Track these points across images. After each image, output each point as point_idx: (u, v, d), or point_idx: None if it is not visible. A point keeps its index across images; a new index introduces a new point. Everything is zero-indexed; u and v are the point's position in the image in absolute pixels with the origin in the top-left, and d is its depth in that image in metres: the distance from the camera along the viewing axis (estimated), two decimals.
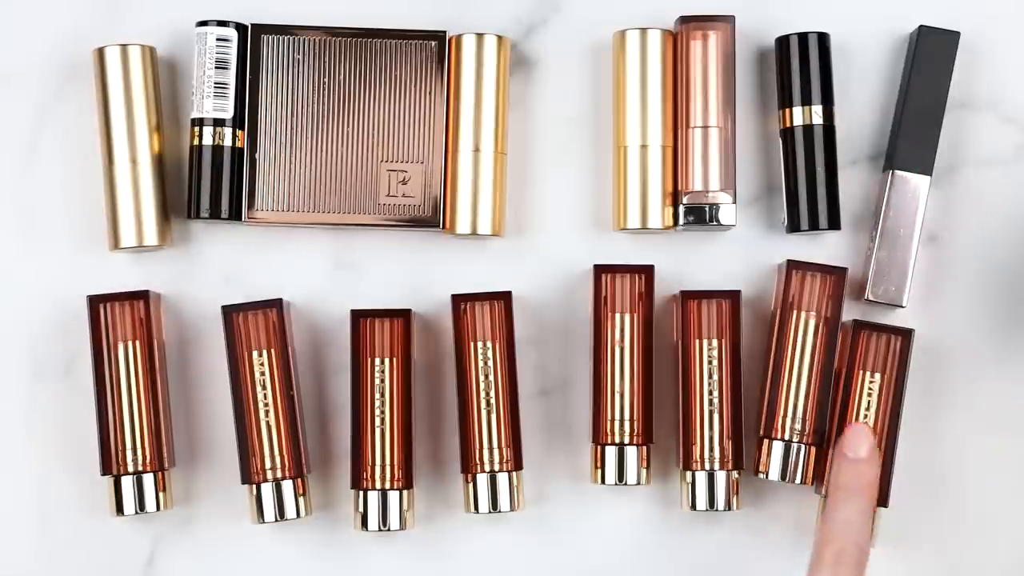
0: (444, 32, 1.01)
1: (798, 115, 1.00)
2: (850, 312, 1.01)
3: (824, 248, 1.02)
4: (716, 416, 0.99)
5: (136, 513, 0.98)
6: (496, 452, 0.99)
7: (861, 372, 0.99)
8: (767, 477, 0.99)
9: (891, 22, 1.03)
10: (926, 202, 1.00)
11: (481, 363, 0.99)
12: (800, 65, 1.00)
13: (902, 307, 1.00)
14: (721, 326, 1.00)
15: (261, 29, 1.01)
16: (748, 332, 1.01)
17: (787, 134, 1.01)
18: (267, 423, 0.99)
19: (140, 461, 0.99)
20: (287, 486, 0.98)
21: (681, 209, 1.00)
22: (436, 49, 1.01)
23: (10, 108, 1.03)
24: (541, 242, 1.03)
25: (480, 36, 1.00)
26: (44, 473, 1.02)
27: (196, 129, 1.00)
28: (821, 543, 0.89)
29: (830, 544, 0.88)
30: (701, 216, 1.00)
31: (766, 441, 0.99)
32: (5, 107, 1.03)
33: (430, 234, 1.02)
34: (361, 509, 0.98)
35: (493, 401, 0.99)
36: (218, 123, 1.00)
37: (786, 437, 0.99)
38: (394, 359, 0.99)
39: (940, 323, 1.02)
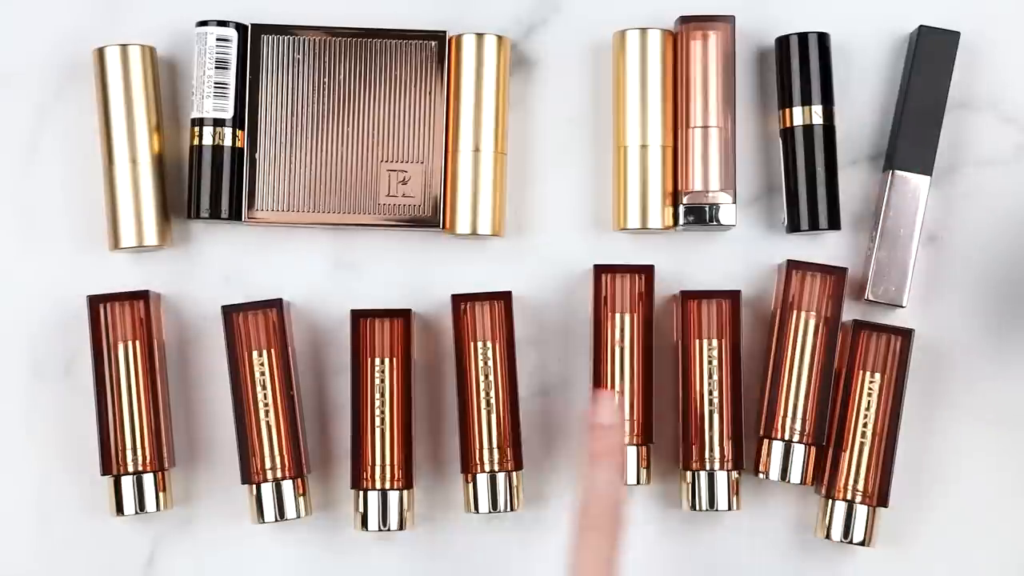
0: (444, 32, 1.01)
1: (798, 115, 1.00)
2: (850, 312, 1.01)
3: (824, 248, 1.02)
4: (716, 416, 0.99)
5: (136, 513, 0.99)
6: (496, 452, 0.99)
7: (861, 372, 0.99)
8: (767, 477, 0.99)
9: (891, 22, 1.03)
10: (926, 202, 1.00)
11: (481, 363, 0.99)
12: (800, 65, 1.00)
13: (902, 307, 1.00)
14: (721, 326, 1.00)
15: (261, 29, 1.01)
16: (748, 332, 1.01)
17: (787, 134, 1.01)
18: (267, 423, 0.99)
19: (140, 461, 0.99)
20: (287, 486, 0.98)
21: (681, 209, 1.00)
22: (436, 49, 1.01)
23: (10, 108, 1.03)
24: (541, 242, 1.03)
25: (480, 36, 1.00)
26: (44, 473, 1.02)
27: (196, 129, 1.00)
28: (580, 508, 0.90)
29: (588, 507, 0.89)
30: (701, 216, 1.00)
31: (766, 441, 0.99)
32: (5, 107, 1.03)
33: (430, 234, 1.02)
34: (361, 509, 0.98)
35: (493, 401, 0.99)
36: (218, 123, 1.00)
37: (786, 437, 0.99)
38: (394, 359, 0.99)
39: (940, 323, 1.02)
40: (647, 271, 1.00)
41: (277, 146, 1.01)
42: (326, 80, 1.01)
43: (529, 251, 1.03)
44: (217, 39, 1.00)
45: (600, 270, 1.00)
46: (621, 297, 1.00)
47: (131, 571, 1.02)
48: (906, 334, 0.99)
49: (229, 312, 0.99)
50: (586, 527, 0.88)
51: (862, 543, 0.98)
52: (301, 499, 0.98)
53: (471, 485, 0.99)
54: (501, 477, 0.98)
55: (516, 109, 1.03)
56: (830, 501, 0.99)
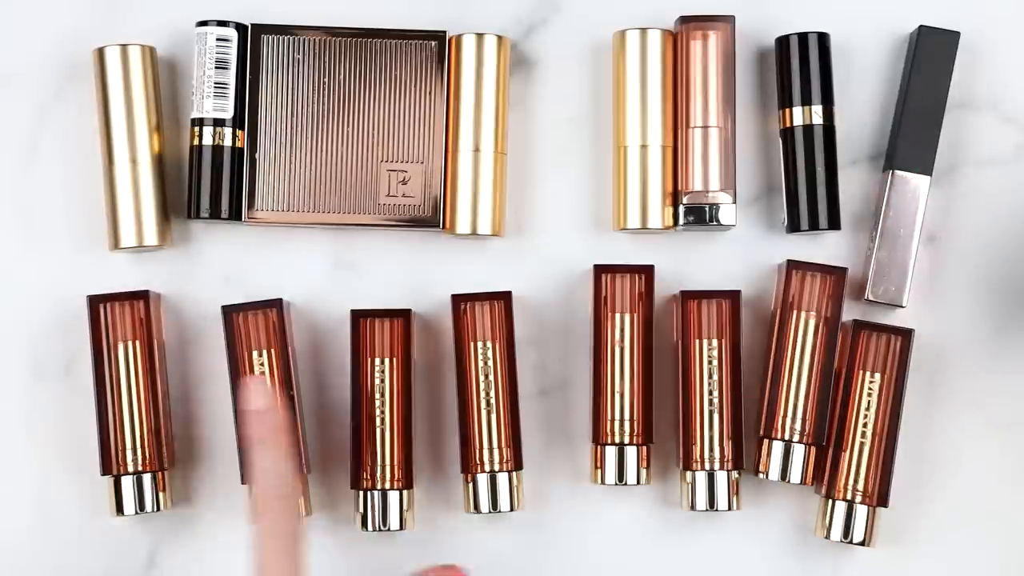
0: (444, 32, 1.01)
1: (798, 115, 1.00)
2: (850, 312, 1.01)
3: (824, 248, 1.02)
4: (716, 416, 0.99)
5: (136, 513, 0.98)
6: (496, 452, 0.99)
7: (861, 372, 0.99)
8: (767, 477, 0.99)
9: (891, 22, 1.03)
10: (926, 202, 1.00)
11: (481, 363, 0.99)
12: (800, 65, 1.00)
13: (902, 307, 1.00)
14: (721, 326, 1.00)
15: (261, 29, 1.01)
16: (748, 332, 1.01)
17: (787, 134, 1.01)
18: None
19: (140, 461, 0.99)
20: None
21: (681, 209, 1.00)
22: (436, 49, 1.01)
23: (10, 108, 1.03)
24: (541, 242, 1.03)
25: (480, 36, 1.00)
26: (44, 473, 1.02)
27: (196, 129, 1.00)
28: (252, 496, 0.90)
29: (257, 495, 0.89)
30: (701, 216, 1.00)
31: (766, 441, 0.99)
32: (5, 107, 1.03)
33: (430, 234, 1.02)
34: (361, 509, 0.98)
35: (493, 401, 0.99)
36: (218, 123, 1.00)
37: (786, 437, 0.99)
38: (394, 359, 0.99)
39: (940, 323, 1.02)
40: (647, 271, 1.00)
41: (277, 146, 1.01)
42: (326, 80, 1.01)
43: (529, 251, 1.03)
44: (217, 39, 1.00)
45: (600, 270, 1.00)
46: (621, 297, 1.00)
47: (131, 571, 1.02)
48: (906, 334, 0.99)
49: (229, 312, 0.99)
50: (260, 512, 0.88)
51: (862, 543, 0.98)
52: (301, 499, 0.98)
53: (471, 485, 0.99)
54: (501, 477, 0.98)
55: (516, 109, 1.03)
56: (830, 501, 0.99)
